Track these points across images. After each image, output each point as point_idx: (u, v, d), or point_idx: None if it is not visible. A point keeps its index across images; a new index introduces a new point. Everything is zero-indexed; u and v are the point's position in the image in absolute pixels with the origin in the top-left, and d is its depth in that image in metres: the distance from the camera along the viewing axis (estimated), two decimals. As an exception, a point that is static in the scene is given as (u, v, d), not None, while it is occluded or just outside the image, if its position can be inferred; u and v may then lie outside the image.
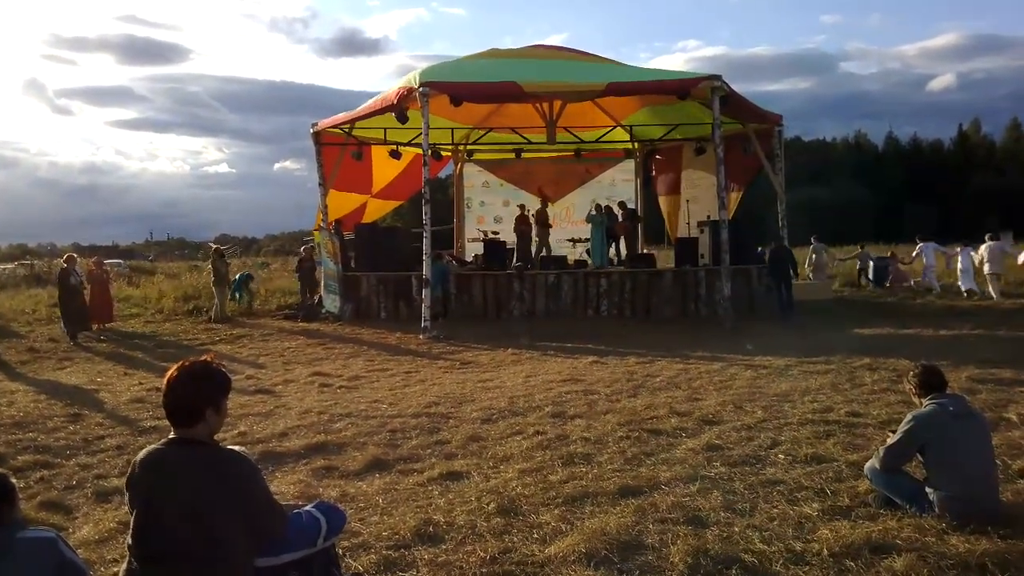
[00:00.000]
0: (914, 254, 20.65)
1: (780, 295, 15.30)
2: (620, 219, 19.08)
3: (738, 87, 15.57)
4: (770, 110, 17.47)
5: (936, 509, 4.12)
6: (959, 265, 18.88)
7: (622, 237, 19.26)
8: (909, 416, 4.34)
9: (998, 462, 4.59)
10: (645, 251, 20.31)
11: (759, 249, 17.11)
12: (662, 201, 22.33)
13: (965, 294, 18.02)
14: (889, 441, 4.40)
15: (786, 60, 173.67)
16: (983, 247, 17.77)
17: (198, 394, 2.77)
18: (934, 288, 19.24)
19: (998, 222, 29.94)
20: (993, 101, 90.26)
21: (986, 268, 17.49)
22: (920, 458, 4.35)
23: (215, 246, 19.81)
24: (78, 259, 16.23)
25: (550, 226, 18.95)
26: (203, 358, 2.91)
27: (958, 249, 19.29)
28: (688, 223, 19.36)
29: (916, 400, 4.47)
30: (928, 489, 4.21)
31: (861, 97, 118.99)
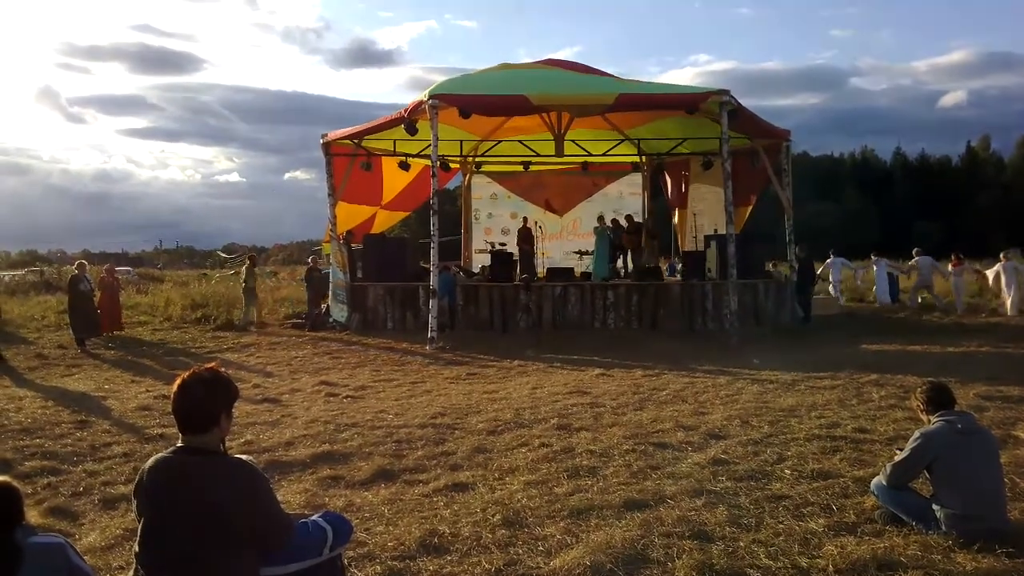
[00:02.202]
0: (819, 271, 21.38)
1: (803, 303, 16.49)
2: (626, 232, 19.13)
3: (748, 102, 15.62)
4: (779, 125, 17.50)
5: (943, 526, 4.11)
6: (875, 277, 20.41)
7: (629, 250, 19.29)
8: (917, 433, 4.33)
9: (1006, 480, 4.57)
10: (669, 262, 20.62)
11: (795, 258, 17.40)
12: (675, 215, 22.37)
13: (878, 304, 19.55)
14: (896, 458, 4.39)
15: (796, 75, 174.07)
16: (912, 261, 19.27)
17: (212, 400, 2.79)
18: (839, 301, 20.14)
19: (1005, 238, 30.29)
20: (1005, 118, 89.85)
21: (917, 282, 19.02)
22: (927, 475, 4.33)
23: (249, 254, 20.48)
24: (88, 266, 16.33)
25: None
26: (210, 365, 2.94)
27: (871, 261, 20.87)
28: (695, 237, 19.38)
29: (924, 417, 4.46)
30: (935, 506, 4.20)
31: (871, 113, 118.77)
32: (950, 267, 18.50)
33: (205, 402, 2.78)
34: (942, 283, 19.34)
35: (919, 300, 19.04)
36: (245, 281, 17.55)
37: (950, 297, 18.52)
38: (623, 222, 19.48)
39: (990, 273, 17.93)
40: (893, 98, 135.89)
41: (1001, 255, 17.61)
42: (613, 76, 17.99)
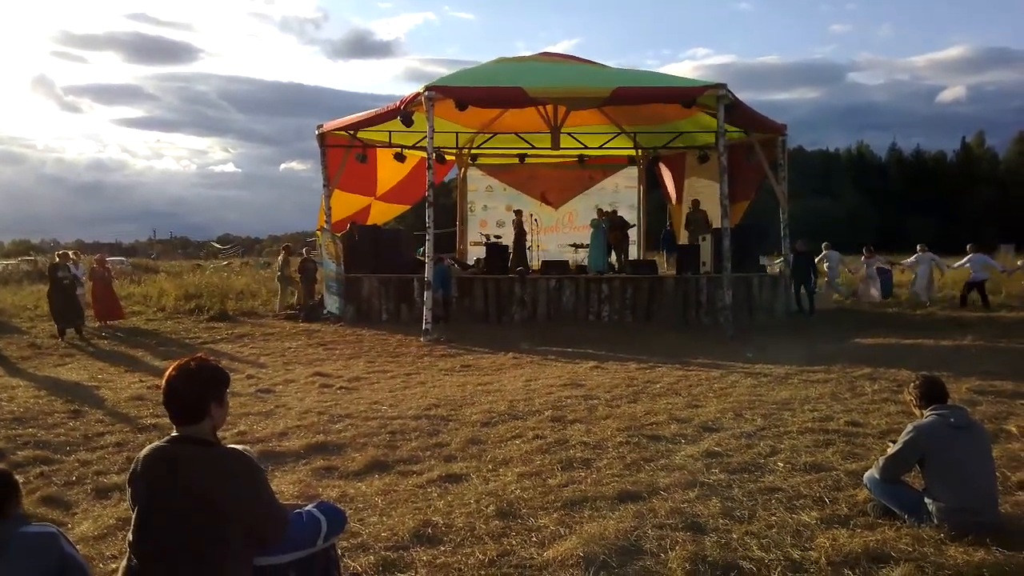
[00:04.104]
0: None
1: (799, 296, 16.70)
2: (609, 228, 19.06)
3: (746, 96, 15.60)
4: (776, 119, 17.49)
5: (935, 520, 4.13)
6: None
7: (613, 246, 19.20)
8: (910, 427, 4.35)
9: (998, 474, 4.59)
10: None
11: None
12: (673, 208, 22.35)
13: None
14: (889, 451, 4.41)
15: (795, 69, 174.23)
16: (822, 255, 19.95)
17: (201, 389, 2.79)
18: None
19: (999, 233, 30.61)
20: (1002, 114, 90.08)
21: (828, 274, 19.78)
22: (919, 469, 4.35)
23: (284, 245, 21.40)
24: (71, 255, 16.17)
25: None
26: (197, 355, 2.93)
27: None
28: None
29: (916, 411, 4.48)
30: (927, 500, 4.22)
31: (869, 108, 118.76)
32: (863, 259, 19.31)
33: (194, 392, 2.77)
34: (846, 275, 20.40)
35: (834, 296, 19.66)
36: (281, 270, 18.15)
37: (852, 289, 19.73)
38: (621, 213, 19.43)
39: (906, 263, 19.00)
40: (891, 93, 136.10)
41: (918, 247, 18.31)
42: (610, 68, 17.96)
